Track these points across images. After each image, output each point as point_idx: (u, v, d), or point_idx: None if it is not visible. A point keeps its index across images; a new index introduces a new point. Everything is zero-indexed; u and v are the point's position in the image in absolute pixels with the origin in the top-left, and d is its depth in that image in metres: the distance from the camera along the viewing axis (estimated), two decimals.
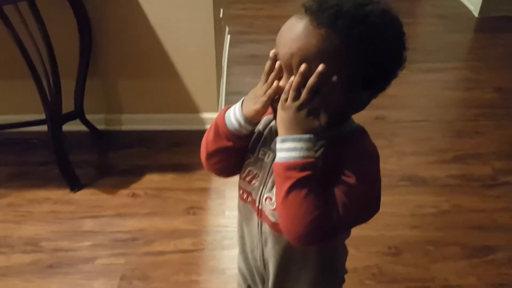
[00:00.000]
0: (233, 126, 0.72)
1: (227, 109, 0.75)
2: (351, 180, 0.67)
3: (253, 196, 0.80)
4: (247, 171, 0.80)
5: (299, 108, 0.65)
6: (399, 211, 1.73)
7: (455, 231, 1.65)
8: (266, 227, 0.80)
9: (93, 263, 1.52)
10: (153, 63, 2.01)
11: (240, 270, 0.97)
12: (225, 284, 1.46)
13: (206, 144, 0.78)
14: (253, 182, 0.79)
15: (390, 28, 0.66)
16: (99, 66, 1.99)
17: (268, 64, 0.69)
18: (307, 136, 0.65)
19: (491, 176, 1.89)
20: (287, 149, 0.65)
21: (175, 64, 2.01)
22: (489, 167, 1.94)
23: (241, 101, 0.73)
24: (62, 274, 1.49)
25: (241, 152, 0.79)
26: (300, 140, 0.65)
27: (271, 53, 0.68)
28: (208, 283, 1.48)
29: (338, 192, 0.67)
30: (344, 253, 0.91)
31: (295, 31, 0.64)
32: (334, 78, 0.63)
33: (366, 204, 0.70)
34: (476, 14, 3.29)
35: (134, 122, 2.14)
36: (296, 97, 0.65)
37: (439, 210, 1.73)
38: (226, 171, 0.83)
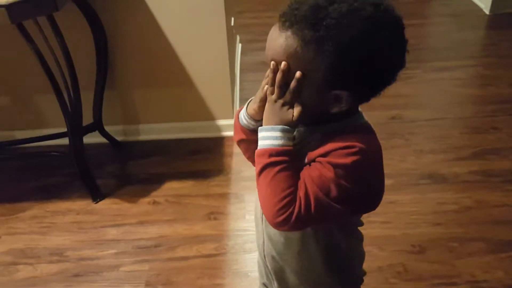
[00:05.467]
0: (243, 122, 0.82)
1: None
2: (327, 172, 0.68)
3: None
4: None
5: (274, 101, 0.71)
6: (421, 209, 1.72)
7: (478, 227, 1.63)
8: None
9: (118, 270, 1.54)
10: (168, 74, 2.04)
11: (259, 267, 1.03)
12: (249, 286, 1.46)
13: (234, 135, 0.87)
14: None
15: (353, 29, 0.63)
16: (115, 78, 2.02)
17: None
18: (279, 126, 0.70)
19: (511, 171, 1.88)
20: (261, 138, 0.72)
21: (189, 74, 2.04)
22: (509, 162, 1.92)
23: (249, 100, 0.81)
24: (88, 282, 1.51)
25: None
26: (272, 129, 0.71)
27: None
28: (232, 286, 1.49)
29: (310, 179, 0.69)
30: (356, 254, 0.91)
31: (271, 36, 0.71)
32: (298, 74, 0.68)
33: (341, 199, 0.69)
34: (487, 11, 3.28)
35: (151, 131, 2.17)
36: (272, 92, 0.72)
37: (461, 206, 1.72)
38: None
